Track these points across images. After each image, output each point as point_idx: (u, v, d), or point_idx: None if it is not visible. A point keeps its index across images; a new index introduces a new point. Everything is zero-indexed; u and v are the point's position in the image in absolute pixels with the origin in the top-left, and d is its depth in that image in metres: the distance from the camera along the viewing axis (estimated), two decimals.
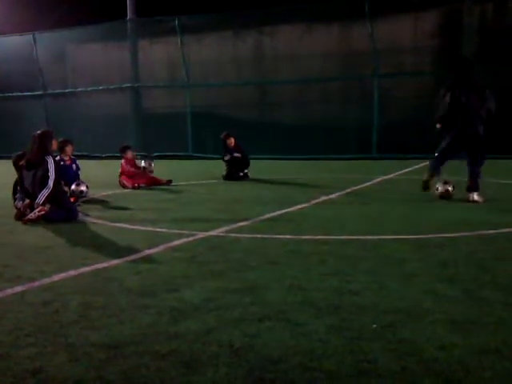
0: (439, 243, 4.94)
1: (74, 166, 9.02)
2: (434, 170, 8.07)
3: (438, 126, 7.95)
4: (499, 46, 16.96)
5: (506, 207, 7.12)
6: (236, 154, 11.64)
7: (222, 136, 11.87)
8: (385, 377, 2.31)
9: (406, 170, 10.88)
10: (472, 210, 6.91)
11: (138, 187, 10.28)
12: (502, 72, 16.65)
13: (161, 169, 12.25)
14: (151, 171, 11.04)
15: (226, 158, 11.70)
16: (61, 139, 8.99)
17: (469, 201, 7.60)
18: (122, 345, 2.68)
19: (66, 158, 8.94)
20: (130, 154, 10.83)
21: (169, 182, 10.83)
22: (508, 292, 3.43)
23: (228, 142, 11.71)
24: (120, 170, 10.63)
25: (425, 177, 8.09)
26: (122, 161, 10.77)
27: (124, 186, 10.33)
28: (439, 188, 7.82)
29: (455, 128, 7.80)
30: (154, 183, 10.67)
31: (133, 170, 10.67)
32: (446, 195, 7.75)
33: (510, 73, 16.59)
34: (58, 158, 8.70)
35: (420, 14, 18.75)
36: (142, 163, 11.00)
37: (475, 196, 7.65)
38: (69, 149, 8.93)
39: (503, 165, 14.60)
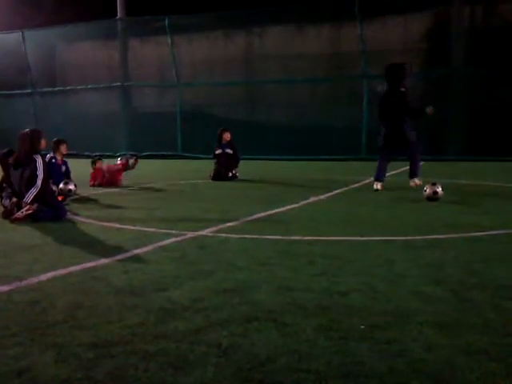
0: (427, 245, 4.97)
1: (63, 167, 8.97)
2: (380, 178, 9.14)
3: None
4: (488, 49, 17.07)
5: (493, 209, 7.16)
6: (228, 150, 11.55)
7: (219, 130, 11.78)
8: (372, 377, 2.31)
9: (395, 171, 10.93)
10: (460, 212, 6.95)
11: (94, 185, 10.12)
12: (491, 74, 16.78)
13: (149, 167, 12.21)
14: (132, 168, 10.65)
15: (217, 151, 11.57)
16: (55, 139, 8.96)
17: (411, 186, 8.97)
18: (109, 344, 2.67)
19: (59, 158, 8.91)
20: (99, 164, 10.53)
21: (134, 158, 10.60)
22: (495, 293, 3.45)
23: (224, 135, 11.60)
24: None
25: (378, 186, 9.07)
26: (92, 171, 10.46)
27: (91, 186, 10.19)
28: (427, 190, 7.82)
29: (385, 129, 9.06)
30: (112, 181, 10.34)
31: (98, 181, 10.29)
32: (434, 197, 7.75)
33: (499, 75, 16.71)
34: (49, 155, 8.67)
35: (409, 16, 18.85)
36: (118, 161, 10.57)
37: (416, 181, 9.02)
38: (63, 148, 8.92)
39: (493, 167, 14.70)
